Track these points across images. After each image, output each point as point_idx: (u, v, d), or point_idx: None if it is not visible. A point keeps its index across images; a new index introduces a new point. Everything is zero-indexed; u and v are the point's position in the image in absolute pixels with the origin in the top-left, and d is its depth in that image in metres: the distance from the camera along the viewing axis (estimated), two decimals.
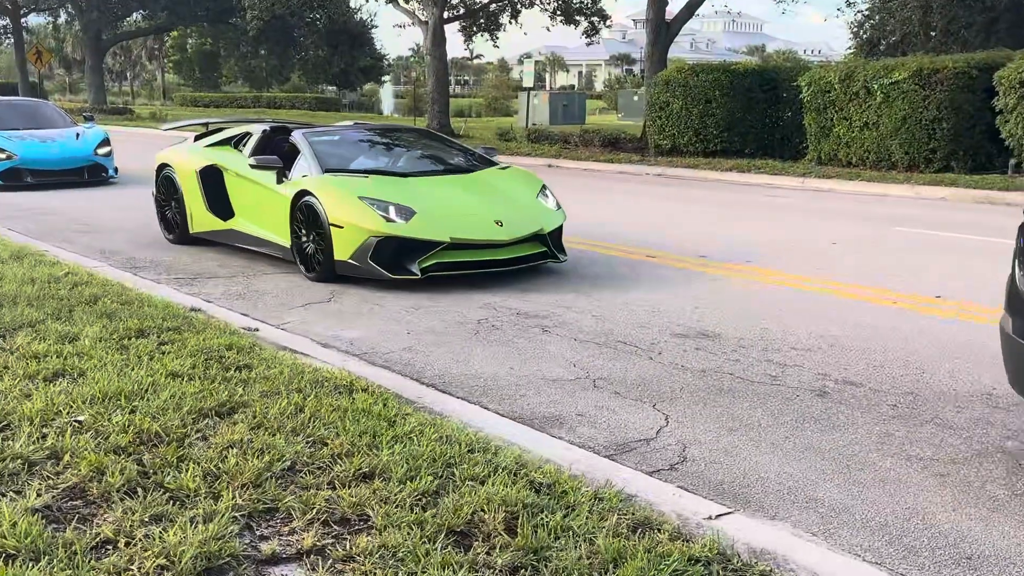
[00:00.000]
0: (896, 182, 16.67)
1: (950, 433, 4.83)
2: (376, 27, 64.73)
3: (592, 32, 31.77)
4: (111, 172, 17.54)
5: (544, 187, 9.22)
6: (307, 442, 4.23)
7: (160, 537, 3.33)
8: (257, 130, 10.13)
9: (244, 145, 10.02)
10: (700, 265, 9.41)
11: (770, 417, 5.08)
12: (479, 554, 3.32)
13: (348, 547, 3.34)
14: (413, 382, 5.55)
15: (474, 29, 32.83)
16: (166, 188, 10.75)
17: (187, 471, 3.87)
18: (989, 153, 16.94)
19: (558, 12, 31.25)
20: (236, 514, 3.54)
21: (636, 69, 75.43)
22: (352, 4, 53.50)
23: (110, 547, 3.31)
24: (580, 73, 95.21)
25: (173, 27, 62.05)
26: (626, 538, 3.43)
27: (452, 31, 32.78)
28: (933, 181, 16.37)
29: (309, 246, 8.47)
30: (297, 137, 9.41)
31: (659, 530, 3.52)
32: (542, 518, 3.55)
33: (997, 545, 3.64)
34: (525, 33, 50.23)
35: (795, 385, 5.58)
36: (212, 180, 10.04)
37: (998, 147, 16.62)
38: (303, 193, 8.50)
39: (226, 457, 4.01)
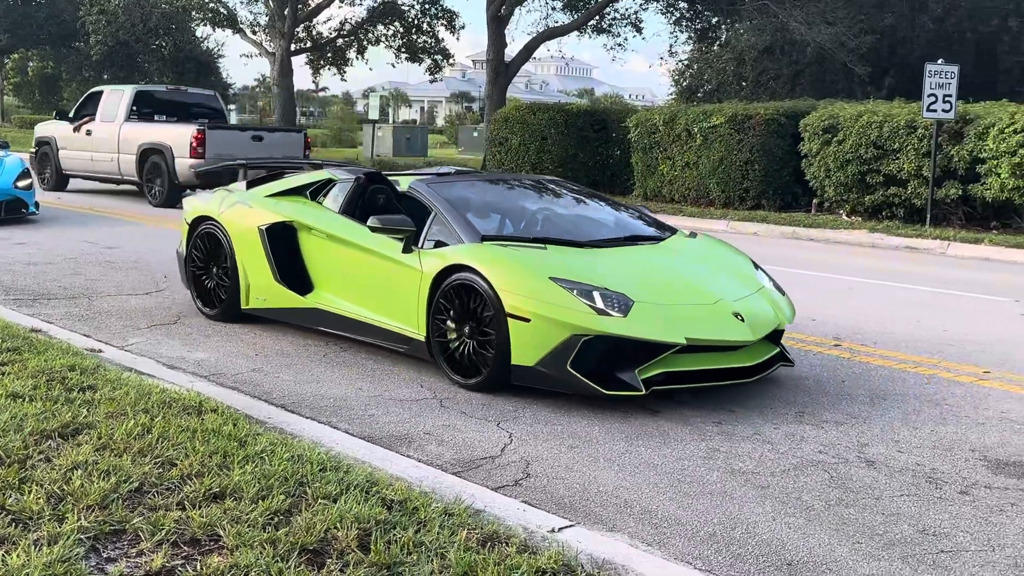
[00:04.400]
0: (714, 217, 17.74)
1: (769, 448, 5.20)
2: (223, 56, 63.41)
3: (436, 70, 32.23)
4: (31, 208, 14.26)
5: (754, 263, 7.05)
6: (155, 463, 4.19)
7: (3, 561, 3.25)
8: (343, 176, 7.52)
9: (325, 195, 7.44)
10: None
11: (606, 434, 5.34)
12: (333, 571, 3.38)
13: (199, 567, 3.34)
14: (263, 403, 5.55)
15: (321, 63, 32.70)
16: (206, 249, 7.87)
17: (30, 493, 3.77)
18: (795, 193, 18.17)
19: (403, 50, 31.55)
20: (82, 536, 3.49)
21: (475, 106, 76.56)
22: (199, 33, 52.34)
23: None
24: (422, 108, 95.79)
25: (14, 49, 59.04)
26: (476, 552, 3.56)
27: (299, 63, 32.50)
28: (746, 217, 17.48)
29: (465, 344, 6.11)
30: (421, 189, 6.92)
31: (507, 543, 3.67)
32: (395, 534, 3.65)
33: (814, 552, 3.95)
34: (371, 68, 50.48)
35: (628, 403, 5.87)
36: (283, 242, 7.37)
37: (803, 187, 17.86)
38: (454, 269, 6.12)
39: (71, 479, 3.93)
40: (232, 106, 64.18)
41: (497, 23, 26.45)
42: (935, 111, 15.08)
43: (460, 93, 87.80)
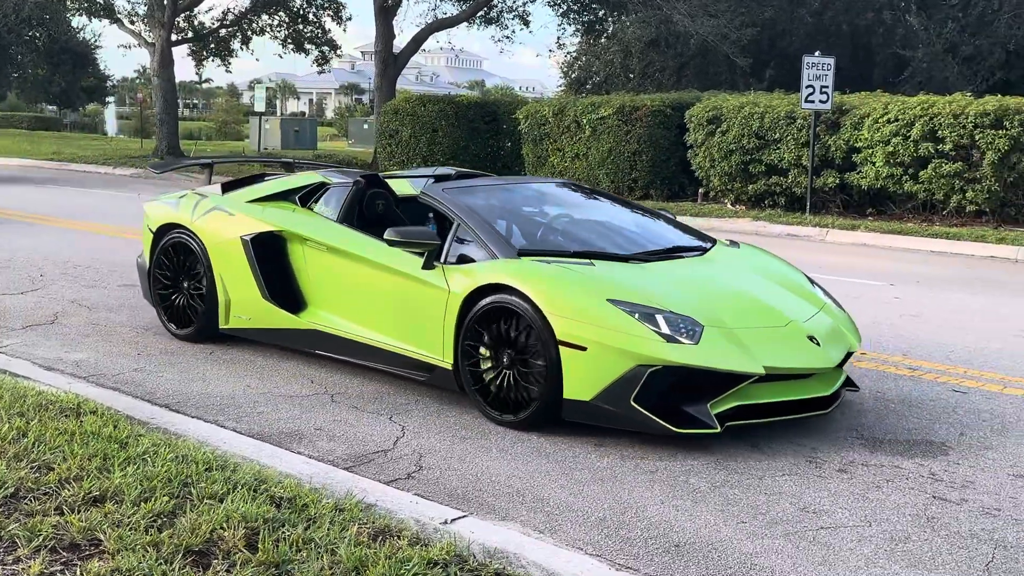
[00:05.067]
0: None
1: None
2: (100, 47, 61.16)
3: (323, 61, 31.73)
4: None
5: (807, 275, 6.36)
6: (32, 467, 4.04)
7: None
8: (338, 179, 6.73)
9: (317, 201, 6.65)
10: None
11: (501, 427, 5.35)
12: (219, 572, 3.33)
13: (79, 573, 3.25)
14: (145, 403, 5.41)
15: (204, 53, 31.86)
16: (175, 262, 7.00)
17: None
18: (682, 183, 18.55)
19: (289, 40, 30.97)
20: None
21: (365, 98, 75.80)
22: (75, 23, 50.37)
23: None
24: (311, 100, 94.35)
25: None
26: (367, 546, 3.55)
27: (181, 54, 31.52)
28: None
29: (503, 375, 5.32)
30: (439, 196, 6.12)
31: (399, 536, 3.66)
32: (283, 532, 3.60)
33: (700, 533, 4.05)
34: (257, 59, 49.57)
35: None
36: (271, 254, 6.54)
37: (690, 177, 18.23)
38: (489, 289, 5.35)
39: None
40: (111, 98, 62.15)
41: (385, 14, 26.23)
42: (813, 102, 15.56)
43: (349, 85, 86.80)
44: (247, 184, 7.21)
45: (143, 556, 3.35)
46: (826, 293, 6.12)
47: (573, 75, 31.22)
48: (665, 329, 4.97)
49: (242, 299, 6.62)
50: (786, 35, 26.37)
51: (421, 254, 5.69)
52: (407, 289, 5.76)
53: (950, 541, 3.99)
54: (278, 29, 30.93)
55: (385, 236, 5.76)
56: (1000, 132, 14.03)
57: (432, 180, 6.86)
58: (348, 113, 64.38)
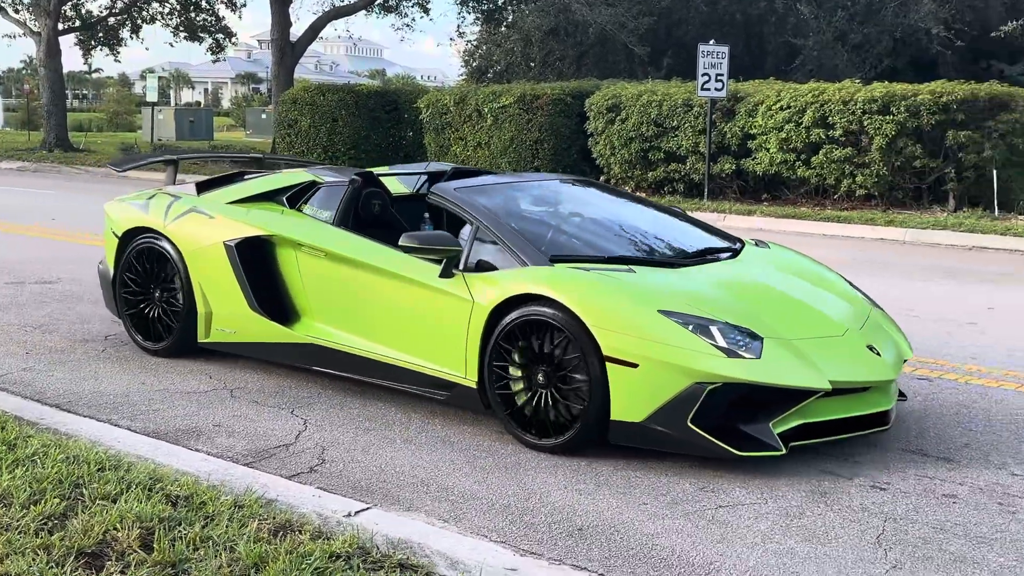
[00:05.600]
0: None
1: None
2: None
3: (217, 50, 30.97)
4: None
5: (842, 276, 5.95)
6: None
7: None
8: (330, 178, 6.16)
9: (307, 202, 6.08)
10: None
11: (403, 414, 5.33)
12: (113, 573, 3.25)
13: None
14: (34, 403, 5.23)
15: (92, 43, 30.81)
16: (145, 269, 6.38)
17: None
18: (584, 171, 18.67)
19: (181, 28, 30.14)
20: None
21: (263, 88, 74.41)
22: None
23: None
24: (206, 90, 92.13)
25: None
26: (267, 542, 3.49)
27: (69, 43, 30.37)
28: None
29: (538, 395, 4.84)
30: (452, 196, 5.57)
31: (300, 531, 3.62)
32: (180, 531, 3.53)
33: (603, 516, 4.10)
34: (147, 48, 47.99)
35: None
36: (257, 261, 5.99)
37: (591, 165, 18.39)
38: (520, 300, 4.86)
39: None
40: None
41: (280, 1, 25.79)
42: (709, 90, 15.83)
43: (246, 74, 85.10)
44: (224, 183, 6.57)
45: (33, 560, 3.25)
46: (866, 296, 5.72)
47: (474, 64, 31.18)
48: (722, 342, 4.54)
49: (226, 311, 6.04)
50: (682, 24, 26.76)
51: (438, 261, 5.16)
52: (422, 299, 5.25)
53: (842, 515, 4.11)
54: (169, 17, 30.11)
55: (401, 242, 5.20)
56: (887, 118, 14.48)
57: (426, 178, 6.60)
58: (245, 103, 63.15)
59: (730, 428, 4.55)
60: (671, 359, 4.49)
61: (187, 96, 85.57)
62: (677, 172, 16.91)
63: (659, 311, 4.64)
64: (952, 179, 14.55)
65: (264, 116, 41.70)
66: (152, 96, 32.67)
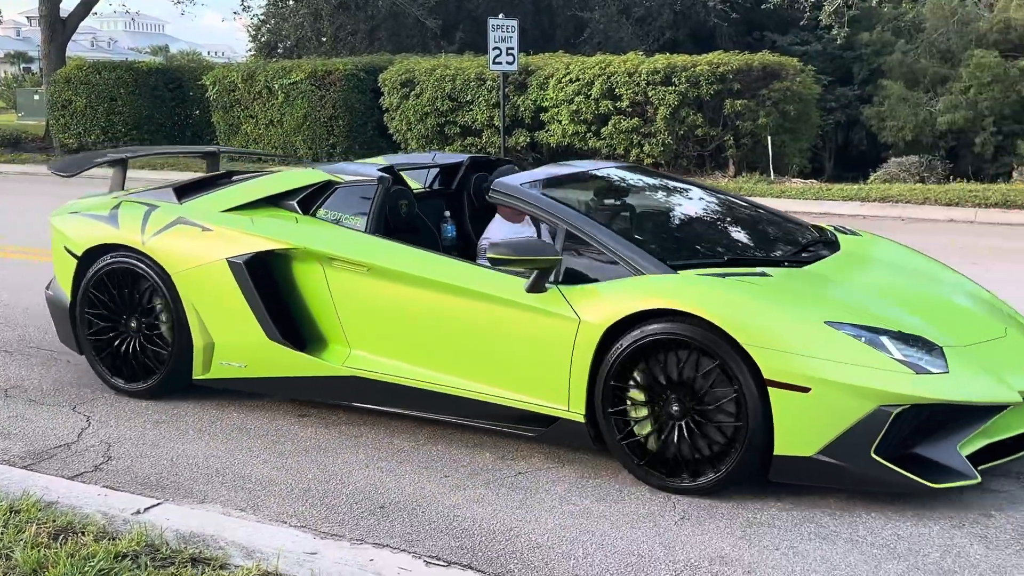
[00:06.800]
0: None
1: None
2: None
3: None
4: None
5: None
6: None
7: None
8: (352, 177, 5.19)
9: (323, 205, 5.11)
10: None
11: (195, 404, 5.14)
12: None
13: None
14: None
15: None
16: (117, 295, 5.28)
17: None
18: (381, 147, 18.53)
19: None
20: None
21: (35, 67, 69.81)
22: None
23: None
24: None
25: None
26: (47, 547, 3.33)
27: None
28: None
29: (670, 428, 4.08)
30: (529, 196, 4.71)
31: (83, 533, 3.46)
32: None
33: (405, 492, 4.10)
34: None
35: None
36: (271, 280, 5.03)
37: (388, 141, 18.27)
38: (642, 316, 4.09)
39: None
40: None
41: None
42: (500, 63, 15.96)
43: (16, 53, 79.51)
44: (208, 188, 5.54)
45: None
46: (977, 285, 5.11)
47: (262, 39, 30.24)
48: (898, 355, 3.89)
49: (233, 341, 5.06)
50: None
51: (525, 273, 4.37)
52: (505, 319, 4.41)
53: (622, 475, 4.24)
54: None
55: (489, 254, 4.34)
56: (670, 88, 15.05)
57: (437, 171, 5.82)
58: (16, 83, 59.10)
59: (913, 456, 3.90)
60: (850, 380, 3.80)
61: None
62: (473, 146, 17.02)
63: (825, 323, 3.97)
64: (731, 146, 15.28)
65: (37, 97, 39.14)
66: None
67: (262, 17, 29.95)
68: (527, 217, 5.17)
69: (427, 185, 5.84)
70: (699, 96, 15.02)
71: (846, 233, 5.29)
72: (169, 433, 4.75)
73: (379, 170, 5.23)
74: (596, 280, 4.35)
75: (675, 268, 4.26)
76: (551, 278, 4.33)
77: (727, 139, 15.25)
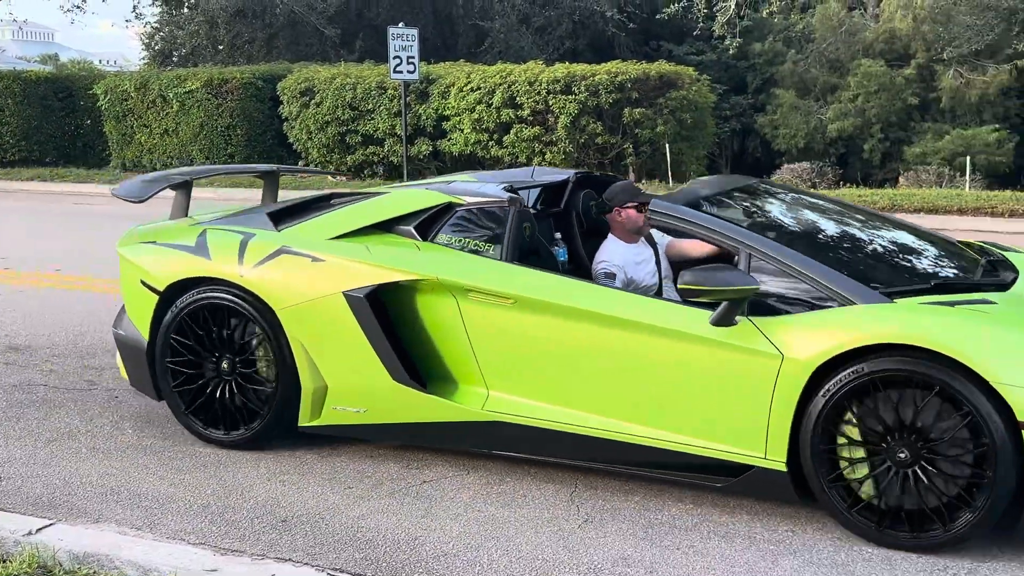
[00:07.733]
0: (199, 186, 17.04)
1: None
2: None
3: None
4: None
5: None
6: None
7: None
8: (473, 199, 4.64)
9: (442, 231, 4.59)
10: (4, 278, 8.80)
11: (89, 423, 5.00)
12: None
13: None
14: None
15: None
16: (207, 334, 4.72)
17: None
18: (281, 156, 18.36)
19: None
20: None
21: None
22: None
23: None
24: None
25: None
26: None
27: None
28: (236, 183, 17.10)
29: (894, 476, 3.66)
30: (701, 219, 4.21)
31: None
32: None
33: (308, 504, 4.05)
34: None
35: (112, 387, 5.55)
36: (391, 315, 4.54)
37: (288, 150, 18.10)
38: (857, 352, 3.67)
39: None
40: None
41: None
42: (401, 72, 15.95)
43: None
44: (308, 211, 4.98)
45: None
46: None
47: (156, 47, 29.59)
48: None
49: (350, 383, 4.53)
50: (372, 5, 26.74)
51: (712, 305, 3.90)
52: (683, 356, 3.96)
53: (539, 478, 4.30)
54: None
55: (680, 284, 3.90)
56: (570, 97, 15.24)
57: (539, 191, 5.17)
58: None
59: None
60: None
61: None
62: (376, 155, 16.96)
63: None
64: (631, 154, 15.55)
65: None
66: None
67: (155, 25, 29.33)
68: (642, 238, 4.88)
69: (532, 205, 5.12)
70: (599, 105, 15.24)
71: (1006, 249, 4.92)
72: (62, 452, 4.61)
73: (511, 191, 4.68)
74: (786, 311, 3.92)
75: (889, 296, 3.84)
76: (746, 313, 3.88)
77: (627, 147, 15.50)
